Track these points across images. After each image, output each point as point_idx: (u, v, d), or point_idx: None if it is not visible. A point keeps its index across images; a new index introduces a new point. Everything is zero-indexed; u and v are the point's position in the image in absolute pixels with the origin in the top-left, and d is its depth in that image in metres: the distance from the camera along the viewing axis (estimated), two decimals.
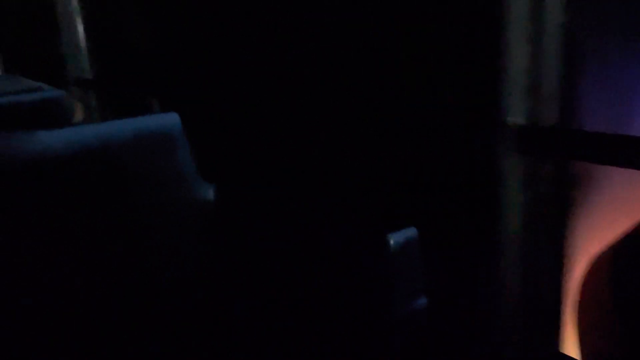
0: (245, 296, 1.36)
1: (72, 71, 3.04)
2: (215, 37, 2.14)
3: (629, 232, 1.30)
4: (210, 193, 1.39)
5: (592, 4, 1.23)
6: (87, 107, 2.86)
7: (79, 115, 1.77)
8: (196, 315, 1.36)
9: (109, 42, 2.96)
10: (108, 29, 2.96)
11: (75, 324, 1.21)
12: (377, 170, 1.57)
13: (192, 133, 1.34)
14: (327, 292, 1.17)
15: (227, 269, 1.40)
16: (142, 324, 1.29)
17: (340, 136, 1.69)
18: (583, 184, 1.33)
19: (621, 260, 1.34)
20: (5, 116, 1.23)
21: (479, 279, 1.44)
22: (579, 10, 1.19)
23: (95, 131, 1.24)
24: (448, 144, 1.43)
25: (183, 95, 2.36)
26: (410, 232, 1.09)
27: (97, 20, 3.02)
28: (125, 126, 1.26)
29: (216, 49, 2.17)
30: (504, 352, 1.40)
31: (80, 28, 3.06)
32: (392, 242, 1.06)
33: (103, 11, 2.96)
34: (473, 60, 1.37)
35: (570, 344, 1.41)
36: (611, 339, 1.39)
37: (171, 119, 1.31)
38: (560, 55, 1.22)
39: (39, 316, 1.17)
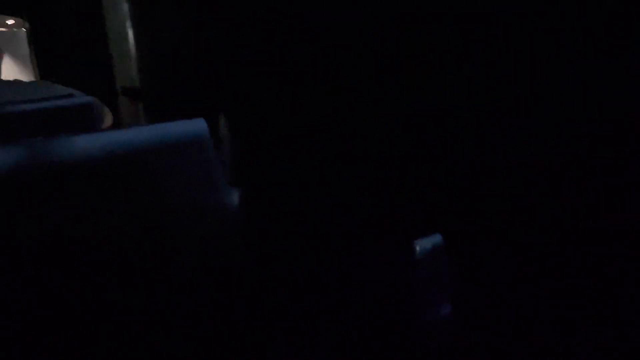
0: (270, 301, 1.37)
1: (121, 81, 2.98)
2: (247, 43, 2.17)
3: None
4: (235, 198, 1.40)
5: None
6: (135, 117, 2.82)
7: (108, 120, 1.80)
8: (224, 319, 1.37)
9: (159, 52, 2.90)
10: (158, 38, 2.88)
11: (104, 329, 1.22)
12: (403, 176, 1.57)
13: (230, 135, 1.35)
14: (353, 298, 1.17)
15: (253, 274, 1.40)
16: (171, 328, 1.30)
17: (366, 142, 1.69)
18: None
19: None
20: (37, 122, 1.26)
21: (506, 287, 1.43)
22: None
23: (124, 137, 1.26)
24: (473, 151, 1.43)
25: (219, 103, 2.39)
26: (436, 239, 1.09)
27: (147, 28, 2.93)
28: (154, 132, 1.28)
29: (246, 56, 2.21)
30: None
31: (131, 36, 2.98)
32: (418, 248, 1.06)
33: (153, 19, 2.88)
34: None
35: None
36: None
37: (199, 125, 1.32)
38: None
39: (66, 320, 1.19)
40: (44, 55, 3.98)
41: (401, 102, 1.60)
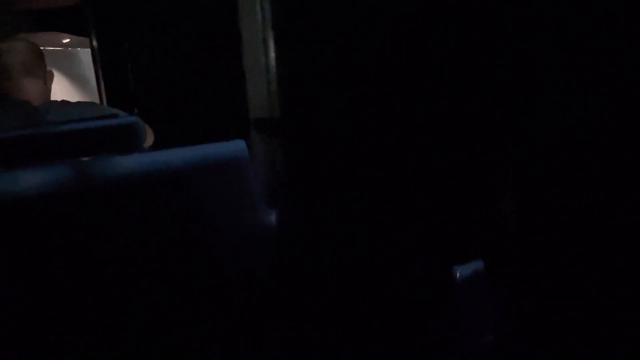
0: (307, 324, 1.36)
1: (256, 111, 2.49)
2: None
3: None
4: (272, 218, 1.41)
5: None
6: (271, 148, 2.38)
7: (150, 139, 1.85)
8: (261, 336, 1.37)
9: (296, 82, 2.38)
10: (295, 68, 2.39)
11: (143, 343, 1.24)
12: (444, 202, 1.55)
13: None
14: (393, 325, 1.15)
15: (290, 294, 1.40)
16: (208, 345, 1.31)
17: (407, 165, 1.68)
18: None
19: None
20: (83, 141, 1.30)
21: (549, 315, 1.38)
22: None
23: (166, 157, 1.29)
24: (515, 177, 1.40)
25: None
26: (477, 265, 1.06)
27: (285, 59, 2.42)
28: (196, 153, 1.30)
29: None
30: None
31: (266, 64, 2.47)
32: (458, 274, 1.03)
33: (291, 49, 2.38)
34: None
35: None
36: None
37: (238, 146, 1.34)
38: None
39: (109, 332, 1.21)
40: (112, 75, 3.81)
41: (442, 129, 1.59)
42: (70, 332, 1.16)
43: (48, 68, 1.65)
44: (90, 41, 4.05)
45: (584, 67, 1.33)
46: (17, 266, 1.11)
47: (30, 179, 1.13)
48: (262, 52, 2.45)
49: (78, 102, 1.62)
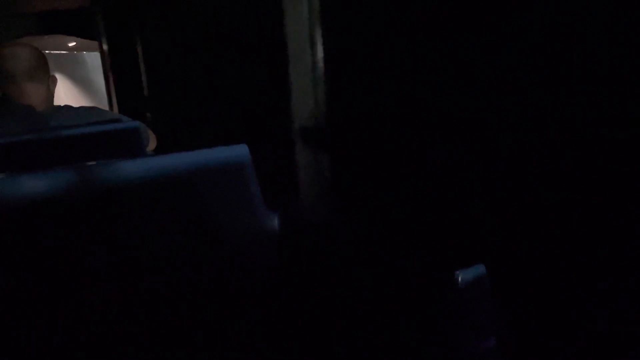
0: (307, 326, 1.36)
1: (300, 120, 2.21)
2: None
3: None
4: (275, 222, 1.41)
5: None
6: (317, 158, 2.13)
7: (153, 144, 1.85)
8: (262, 339, 1.37)
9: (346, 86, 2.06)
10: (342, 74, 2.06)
11: (148, 344, 1.25)
12: (445, 206, 1.55)
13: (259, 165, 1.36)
14: (393, 330, 1.15)
15: (290, 298, 1.40)
16: (211, 346, 1.32)
17: (407, 170, 1.68)
18: None
19: None
20: (87, 145, 1.30)
21: (552, 318, 1.38)
22: None
23: (170, 161, 1.29)
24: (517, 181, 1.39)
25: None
26: (479, 269, 1.05)
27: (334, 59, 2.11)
28: (198, 157, 1.31)
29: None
30: None
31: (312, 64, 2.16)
32: (460, 279, 1.03)
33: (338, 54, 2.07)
34: None
35: None
36: None
37: (241, 150, 1.35)
38: None
39: (115, 334, 1.22)
40: (123, 79, 3.61)
41: (442, 133, 1.59)
42: (77, 335, 1.16)
43: (51, 73, 1.65)
44: (100, 45, 3.97)
45: (589, 70, 1.33)
46: (21, 270, 1.12)
47: (34, 184, 1.13)
48: (309, 51, 2.10)
49: (81, 107, 1.63)
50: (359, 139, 1.96)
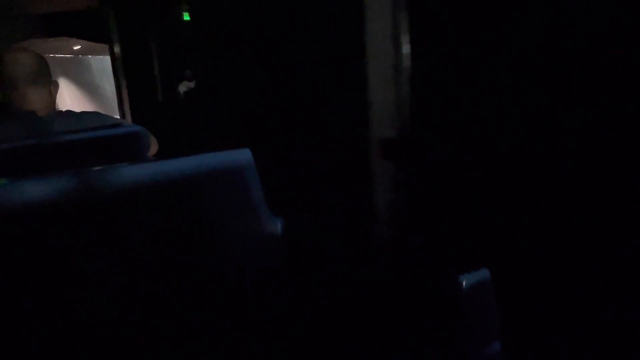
0: (311, 330, 1.35)
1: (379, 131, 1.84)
2: None
3: None
4: (278, 226, 1.41)
5: None
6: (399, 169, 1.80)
7: (154, 149, 1.84)
8: (265, 342, 1.37)
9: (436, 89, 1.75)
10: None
11: (153, 348, 1.24)
12: (449, 211, 1.54)
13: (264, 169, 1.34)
14: (397, 334, 1.14)
15: (293, 302, 1.40)
16: (212, 350, 1.32)
17: (410, 175, 1.67)
18: None
19: None
20: (88, 149, 1.31)
21: (556, 325, 1.37)
22: None
23: (174, 165, 1.29)
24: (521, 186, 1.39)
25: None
26: (483, 274, 1.05)
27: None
28: (202, 161, 1.31)
29: None
30: None
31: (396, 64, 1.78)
32: (464, 283, 1.03)
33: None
34: None
35: None
36: None
37: (244, 155, 1.35)
38: None
39: (118, 338, 1.21)
40: (136, 83, 3.39)
41: (443, 137, 1.58)
42: (82, 340, 1.16)
43: (56, 77, 1.65)
44: (111, 47, 3.85)
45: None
46: (25, 274, 1.11)
47: (36, 189, 1.13)
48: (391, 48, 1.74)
49: (83, 112, 1.63)
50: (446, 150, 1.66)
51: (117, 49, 3.72)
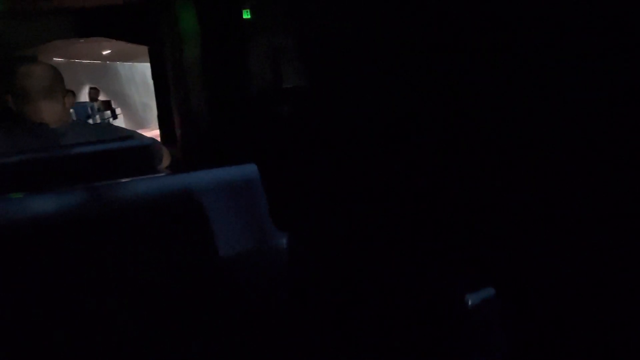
0: (315, 348, 1.35)
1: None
2: None
3: None
4: (284, 241, 1.41)
5: None
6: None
7: (166, 160, 1.86)
8: (269, 357, 1.36)
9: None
10: None
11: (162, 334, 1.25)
12: (455, 228, 1.53)
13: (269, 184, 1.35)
14: (403, 352, 1.13)
15: (298, 316, 1.39)
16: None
17: (416, 191, 1.67)
18: None
19: None
20: (100, 162, 1.32)
21: (562, 343, 1.35)
22: None
23: (181, 180, 1.30)
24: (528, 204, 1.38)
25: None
26: (489, 292, 1.04)
27: None
28: (208, 176, 1.32)
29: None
30: None
31: None
32: (470, 302, 1.02)
33: None
34: None
35: None
36: None
37: (250, 170, 1.35)
38: None
39: (123, 352, 1.22)
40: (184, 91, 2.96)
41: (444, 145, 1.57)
42: (89, 353, 1.17)
43: (79, 85, 1.67)
44: (150, 50, 3.41)
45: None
46: (33, 288, 1.12)
47: (45, 203, 1.15)
48: None
49: (95, 124, 1.65)
50: None
51: (166, 50, 3.12)
